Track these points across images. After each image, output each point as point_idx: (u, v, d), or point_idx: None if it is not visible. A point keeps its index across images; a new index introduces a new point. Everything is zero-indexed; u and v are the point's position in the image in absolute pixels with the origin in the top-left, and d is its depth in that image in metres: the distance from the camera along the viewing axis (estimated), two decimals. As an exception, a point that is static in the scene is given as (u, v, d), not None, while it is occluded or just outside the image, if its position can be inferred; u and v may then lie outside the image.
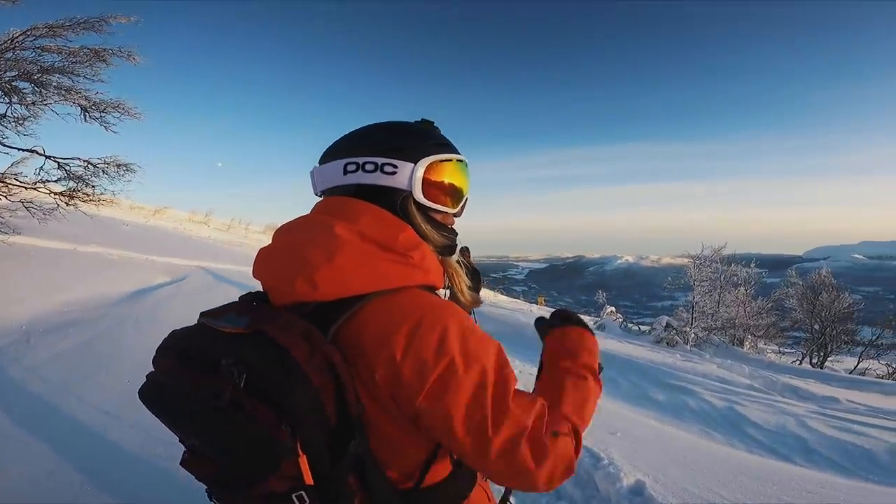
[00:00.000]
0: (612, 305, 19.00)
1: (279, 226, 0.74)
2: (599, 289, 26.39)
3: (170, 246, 11.80)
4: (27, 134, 5.93)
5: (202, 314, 0.66)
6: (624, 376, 6.51)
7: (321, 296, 0.62)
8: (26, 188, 6.06)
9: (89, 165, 6.28)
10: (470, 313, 0.90)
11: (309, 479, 0.56)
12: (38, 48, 5.79)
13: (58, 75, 5.84)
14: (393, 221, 0.68)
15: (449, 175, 0.75)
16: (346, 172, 0.71)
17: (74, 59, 5.94)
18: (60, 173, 6.19)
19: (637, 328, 13.98)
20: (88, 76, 6.07)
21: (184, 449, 0.66)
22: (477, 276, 0.99)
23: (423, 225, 0.72)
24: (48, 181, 6.15)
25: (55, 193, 6.24)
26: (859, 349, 12.30)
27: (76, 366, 3.43)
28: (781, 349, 13.40)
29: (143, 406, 0.63)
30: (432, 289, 0.71)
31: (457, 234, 0.79)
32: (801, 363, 11.88)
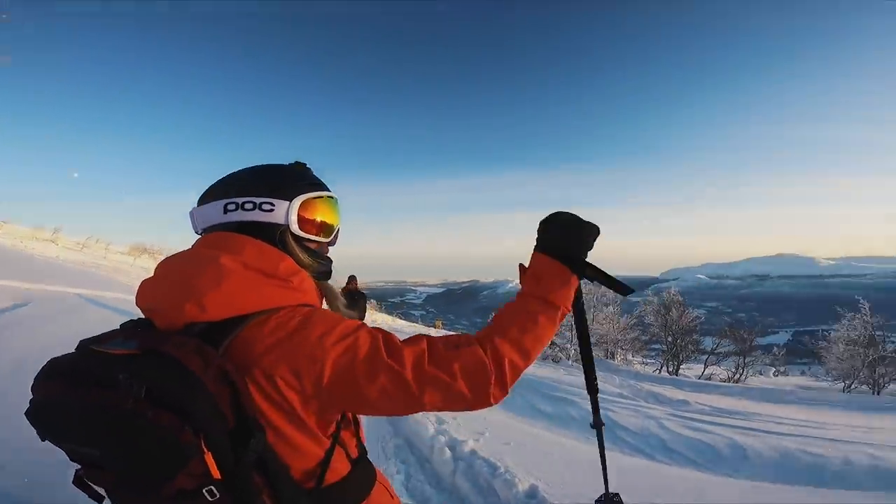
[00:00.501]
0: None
1: (163, 257, 0.80)
2: (493, 312, 27.49)
3: (8, 267, 9.65)
4: None
5: (83, 342, 0.68)
6: (516, 392, 6.81)
7: (210, 317, 0.68)
8: None
9: None
10: None
11: (216, 473, 0.60)
12: None
13: None
14: (273, 252, 0.77)
15: (321, 211, 0.85)
16: (226, 212, 0.78)
17: None
18: None
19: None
20: None
21: (75, 468, 0.68)
22: (358, 299, 1.15)
23: (300, 255, 0.82)
24: None
25: None
26: (705, 357, 14.52)
27: None
28: (645, 360, 15.25)
29: None
30: (311, 307, 0.78)
31: (331, 260, 0.90)
32: (659, 371, 13.60)
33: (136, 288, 0.76)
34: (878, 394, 11.10)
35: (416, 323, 26.41)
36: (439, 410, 0.73)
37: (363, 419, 0.91)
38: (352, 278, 1.21)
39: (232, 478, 0.62)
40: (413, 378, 0.69)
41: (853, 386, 11.88)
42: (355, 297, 1.16)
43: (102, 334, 0.70)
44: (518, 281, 0.89)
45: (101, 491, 0.69)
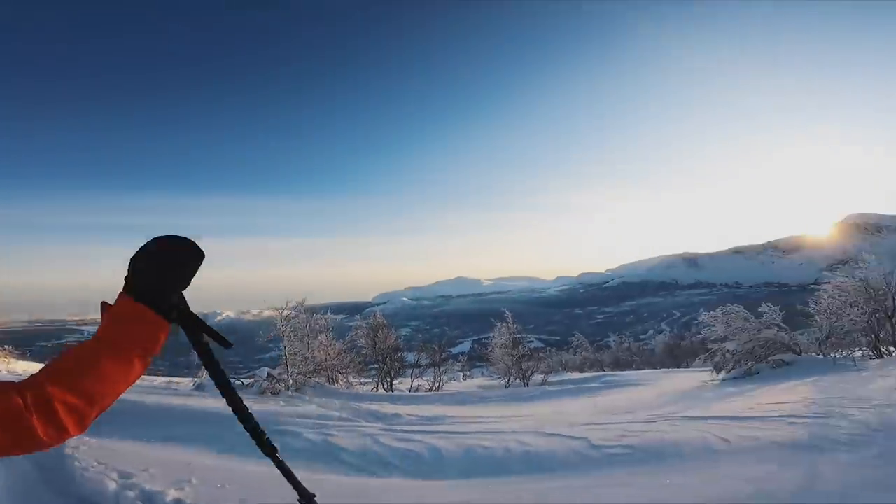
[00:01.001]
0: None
1: None
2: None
3: None
4: None
5: None
6: (231, 430, 5.96)
7: None
8: None
9: None
10: None
11: None
12: None
13: None
14: None
15: None
16: None
17: None
18: None
19: (241, 382, 13.46)
20: None
21: None
22: None
23: None
24: None
25: None
26: (414, 370, 16.51)
27: None
28: (363, 380, 16.15)
29: None
30: None
31: None
32: (376, 389, 14.67)
33: None
34: (527, 385, 15.08)
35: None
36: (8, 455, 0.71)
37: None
38: None
39: None
40: None
41: (510, 380, 15.77)
42: None
43: None
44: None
45: None
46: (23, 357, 20.69)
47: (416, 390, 14.47)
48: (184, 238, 0.81)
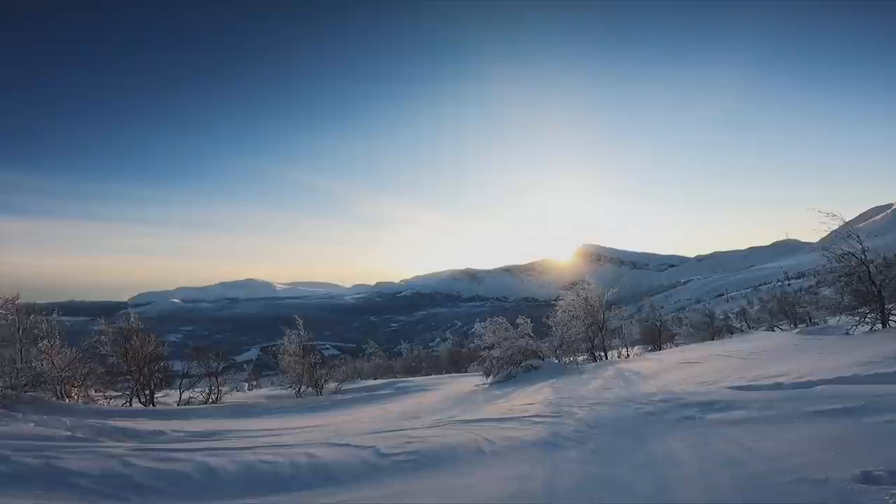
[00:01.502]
0: None
1: None
2: None
3: None
4: None
5: None
6: None
7: None
8: None
9: None
10: None
11: None
12: None
13: None
14: None
15: None
16: None
17: None
18: None
19: None
20: None
21: None
22: None
23: None
24: None
25: None
26: (183, 381, 14.10)
27: None
28: (112, 394, 13.06)
29: None
30: None
31: None
32: (130, 403, 12.07)
33: None
34: (321, 393, 14.60)
35: None
36: None
37: None
38: None
39: None
40: None
41: (302, 389, 15.06)
42: None
43: None
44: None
45: None
46: None
47: (188, 403, 12.53)
48: None
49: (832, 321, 13.32)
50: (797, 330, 14.28)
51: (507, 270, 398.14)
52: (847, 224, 9.93)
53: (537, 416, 5.81)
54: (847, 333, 9.49)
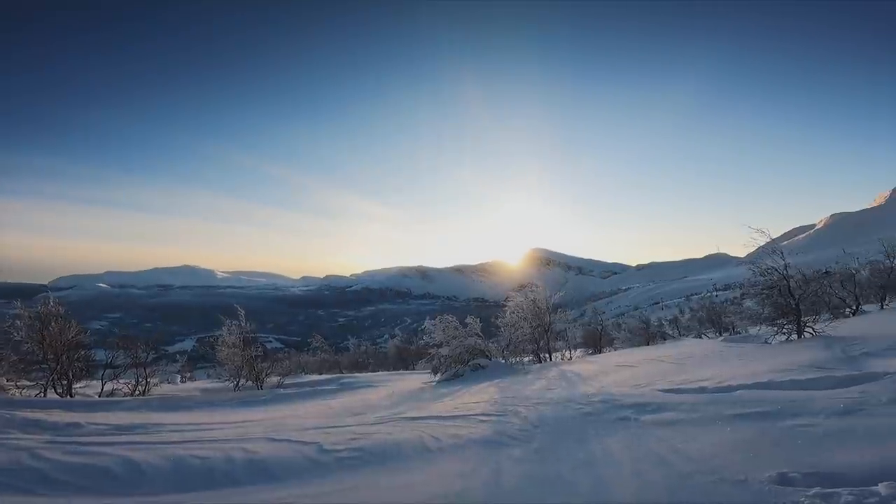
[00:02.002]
0: None
1: None
2: None
3: None
4: None
5: None
6: None
7: None
8: None
9: None
10: None
11: None
12: None
13: None
14: None
15: None
16: None
17: None
18: None
19: None
20: None
21: None
22: None
23: None
24: None
25: None
26: (108, 372, 12.99)
27: None
28: (23, 384, 11.85)
29: None
30: None
31: None
32: (44, 394, 11.02)
33: None
34: (261, 387, 13.98)
35: None
36: None
37: None
38: None
39: None
40: None
41: (241, 383, 14.38)
42: None
43: None
44: None
45: None
46: None
47: (111, 395, 11.64)
48: None
49: (753, 330, 14.45)
50: (721, 338, 15.40)
51: (459, 270, 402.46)
52: (773, 241, 10.78)
53: (483, 414, 5.89)
54: (766, 342, 10.29)
